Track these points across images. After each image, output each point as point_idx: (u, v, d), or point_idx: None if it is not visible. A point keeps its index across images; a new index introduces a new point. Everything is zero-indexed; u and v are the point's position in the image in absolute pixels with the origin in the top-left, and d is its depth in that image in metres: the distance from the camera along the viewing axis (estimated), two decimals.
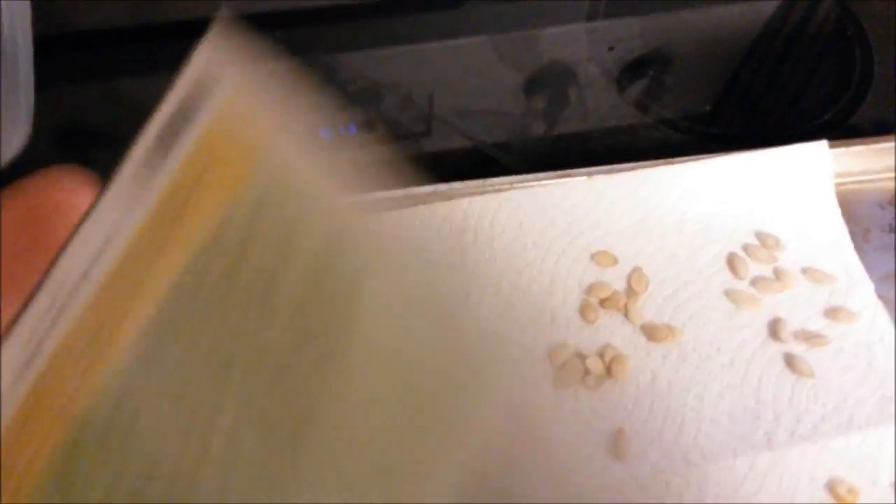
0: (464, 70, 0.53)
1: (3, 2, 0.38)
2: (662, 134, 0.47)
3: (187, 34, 0.55)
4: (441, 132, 0.49)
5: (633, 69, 0.55)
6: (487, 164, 0.48)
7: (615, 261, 0.40)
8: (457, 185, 0.41)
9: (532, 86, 0.53)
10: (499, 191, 0.41)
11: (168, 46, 0.53)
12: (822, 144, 0.42)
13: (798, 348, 0.37)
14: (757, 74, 0.54)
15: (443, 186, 0.41)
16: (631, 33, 0.57)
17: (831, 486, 0.34)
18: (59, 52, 0.50)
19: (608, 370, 0.37)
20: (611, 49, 0.56)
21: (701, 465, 0.34)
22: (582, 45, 0.55)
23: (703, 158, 0.41)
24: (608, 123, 0.50)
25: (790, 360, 0.37)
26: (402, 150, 0.49)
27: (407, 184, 0.40)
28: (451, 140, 0.49)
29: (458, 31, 0.56)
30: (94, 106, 0.51)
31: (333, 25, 0.55)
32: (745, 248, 0.40)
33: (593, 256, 0.40)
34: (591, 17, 0.57)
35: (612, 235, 0.41)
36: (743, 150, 0.42)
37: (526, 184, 0.41)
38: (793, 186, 0.42)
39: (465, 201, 0.40)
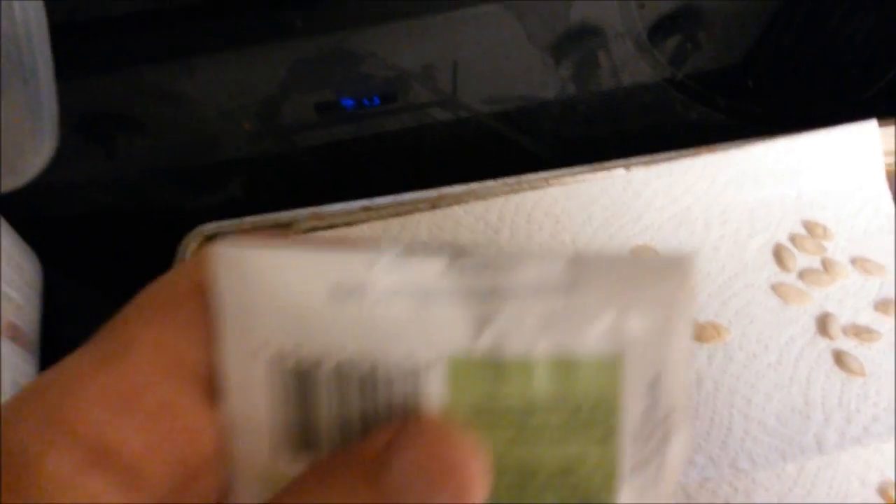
0: (488, 39, 0.52)
1: (17, 13, 0.37)
2: (701, 114, 0.46)
3: (204, 17, 0.54)
4: (465, 107, 0.48)
5: (665, 26, 0.52)
6: (517, 150, 0.47)
7: (657, 255, 0.39)
8: (491, 184, 0.40)
9: (560, 52, 0.51)
10: (534, 187, 0.40)
11: (185, 31, 0.52)
12: (871, 124, 0.40)
13: (848, 344, 0.37)
14: (797, 34, 0.51)
15: (476, 185, 0.39)
16: None
17: (883, 490, 0.33)
18: (77, 42, 0.49)
19: None
20: (641, 7, 0.54)
21: (749, 470, 0.34)
22: (611, 5, 0.53)
23: (746, 144, 0.40)
24: (642, 94, 0.48)
25: (840, 358, 0.36)
26: (424, 120, 0.48)
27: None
28: (477, 118, 0.48)
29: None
30: (116, 93, 0.50)
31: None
32: (793, 238, 0.39)
33: (633, 251, 0.39)
34: None
35: (652, 229, 0.39)
36: (787, 132, 0.40)
37: (562, 179, 0.40)
38: (841, 170, 0.40)
39: (500, 200, 0.39)
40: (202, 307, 0.15)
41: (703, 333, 0.37)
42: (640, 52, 0.51)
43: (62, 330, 0.39)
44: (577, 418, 0.15)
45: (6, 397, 0.34)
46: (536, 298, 0.15)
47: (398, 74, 0.49)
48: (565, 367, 0.15)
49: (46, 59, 0.39)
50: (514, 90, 0.49)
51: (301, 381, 0.15)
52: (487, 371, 0.15)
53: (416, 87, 0.49)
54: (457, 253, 0.15)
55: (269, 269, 0.15)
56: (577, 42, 0.51)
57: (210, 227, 0.39)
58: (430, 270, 0.15)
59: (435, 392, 0.15)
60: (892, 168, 0.41)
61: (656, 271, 0.15)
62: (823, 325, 0.37)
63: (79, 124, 0.48)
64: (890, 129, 0.41)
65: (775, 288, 0.38)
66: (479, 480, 0.14)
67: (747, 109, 0.46)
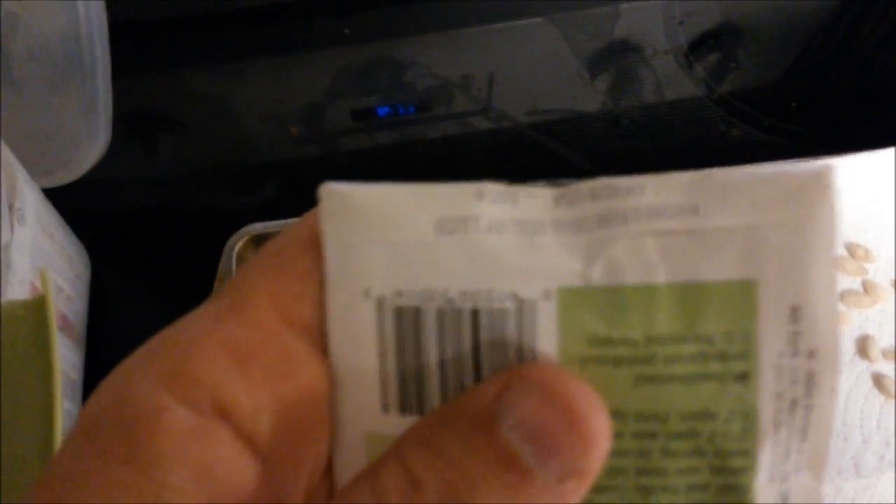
0: (532, 51, 0.52)
1: (80, 13, 0.38)
2: (743, 132, 0.46)
3: (253, 22, 0.54)
4: (504, 117, 0.49)
5: (706, 43, 0.53)
6: (558, 161, 0.47)
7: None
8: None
9: (603, 66, 0.51)
10: None
11: (234, 35, 0.53)
12: None
13: (887, 367, 0.36)
14: (837, 53, 0.51)
15: None
16: (702, 7, 0.55)
17: None
18: (124, 42, 0.50)
19: None
20: (681, 23, 0.54)
21: None
22: (651, 21, 0.53)
23: (788, 164, 0.40)
24: (684, 111, 0.49)
25: (879, 380, 0.36)
26: (462, 129, 0.49)
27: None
28: (517, 128, 0.48)
29: (520, 13, 0.54)
30: (162, 94, 0.51)
31: (392, 8, 0.54)
32: None
33: None
34: None
35: None
36: (830, 153, 0.40)
37: None
38: (883, 193, 0.40)
39: None
40: (320, 257, 0.14)
41: None
42: (683, 69, 0.51)
43: (107, 322, 0.40)
44: (709, 351, 0.13)
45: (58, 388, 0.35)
46: (655, 222, 0.13)
47: (439, 84, 0.50)
48: (692, 294, 0.13)
49: (105, 58, 0.40)
50: (556, 103, 0.50)
51: (409, 320, 0.14)
52: (603, 301, 0.13)
53: (458, 96, 0.50)
54: (566, 184, 0.14)
55: (374, 203, 0.14)
56: (621, 57, 0.52)
57: (257, 226, 0.40)
58: (537, 201, 0.14)
59: (546, 326, 0.14)
60: None
61: (792, 187, 0.13)
62: (863, 347, 0.37)
63: (125, 122, 0.49)
64: None
65: None
66: (602, 435, 0.13)
67: (790, 129, 0.46)
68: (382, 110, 0.50)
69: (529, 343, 0.14)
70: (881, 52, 0.51)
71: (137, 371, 0.14)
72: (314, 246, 0.14)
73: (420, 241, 0.14)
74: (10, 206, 0.31)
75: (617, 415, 0.14)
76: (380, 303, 0.14)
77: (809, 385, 0.13)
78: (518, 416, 0.13)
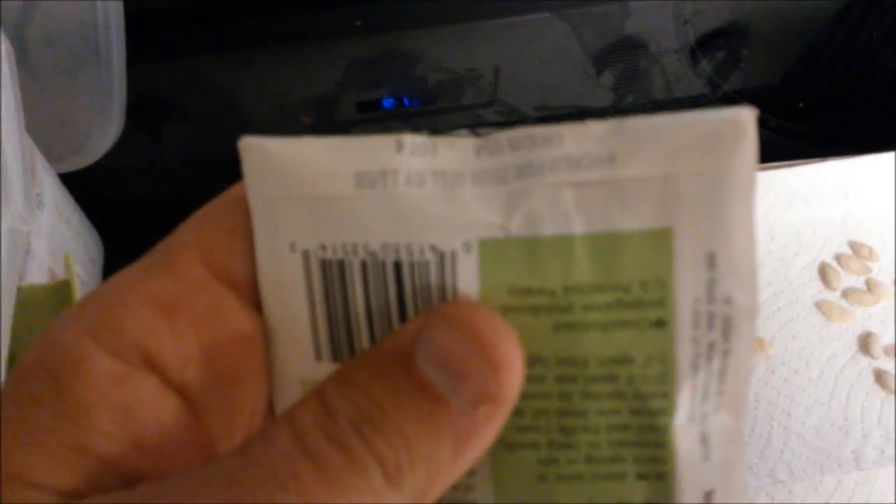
0: (540, 47, 0.53)
1: (99, 7, 0.38)
2: None
3: (266, 13, 0.54)
4: (512, 110, 0.49)
5: (713, 43, 0.53)
6: None
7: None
8: None
9: (610, 63, 0.52)
10: None
11: (247, 26, 0.53)
12: None
13: (889, 364, 0.37)
14: (843, 54, 0.52)
15: None
16: (711, 6, 0.55)
17: None
18: (137, 30, 0.51)
19: None
20: (686, 22, 0.55)
21: (787, 481, 0.35)
22: (660, 19, 0.54)
23: (795, 164, 0.40)
24: (685, 101, 0.49)
25: (880, 377, 0.37)
26: (467, 121, 0.49)
27: None
28: (523, 122, 0.49)
29: (530, 8, 0.54)
30: (173, 82, 0.51)
31: (403, 2, 0.54)
32: (838, 257, 0.40)
33: None
34: None
35: None
36: (837, 154, 0.41)
37: None
38: (888, 194, 0.41)
39: None
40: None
41: None
42: (691, 68, 0.51)
43: None
44: (626, 299, 0.14)
45: None
46: (573, 173, 0.13)
47: (448, 77, 0.50)
48: (608, 244, 0.13)
49: (121, 46, 0.41)
50: (563, 98, 0.50)
51: (335, 273, 0.14)
52: (522, 253, 0.14)
53: (466, 89, 0.50)
54: (486, 134, 0.14)
55: (292, 157, 0.14)
56: (628, 53, 0.52)
57: None
58: (458, 153, 0.14)
59: (467, 278, 0.14)
60: None
61: (709, 134, 0.13)
62: (865, 343, 0.38)
63: (135, 110, 0.49)
64: None
65: (819, 305, 0.39)
66: (511, 360, 0.13)
67: (798, 129, 0.47)
68: (388, 102, 0.50)
69: (451, 292, 0.14)
70: (887, 51, 0.52)
71: (66, 323, 0.14)
72: (246, 203, 0.15)
73: (340, 196, 0.14)
74: (31, 192, 0.31)
75: (537, 359, 0.14)
76: (305, 256, 0.14)
77: (727, 330, 0.14)
78: (432, 347, 0.13)
